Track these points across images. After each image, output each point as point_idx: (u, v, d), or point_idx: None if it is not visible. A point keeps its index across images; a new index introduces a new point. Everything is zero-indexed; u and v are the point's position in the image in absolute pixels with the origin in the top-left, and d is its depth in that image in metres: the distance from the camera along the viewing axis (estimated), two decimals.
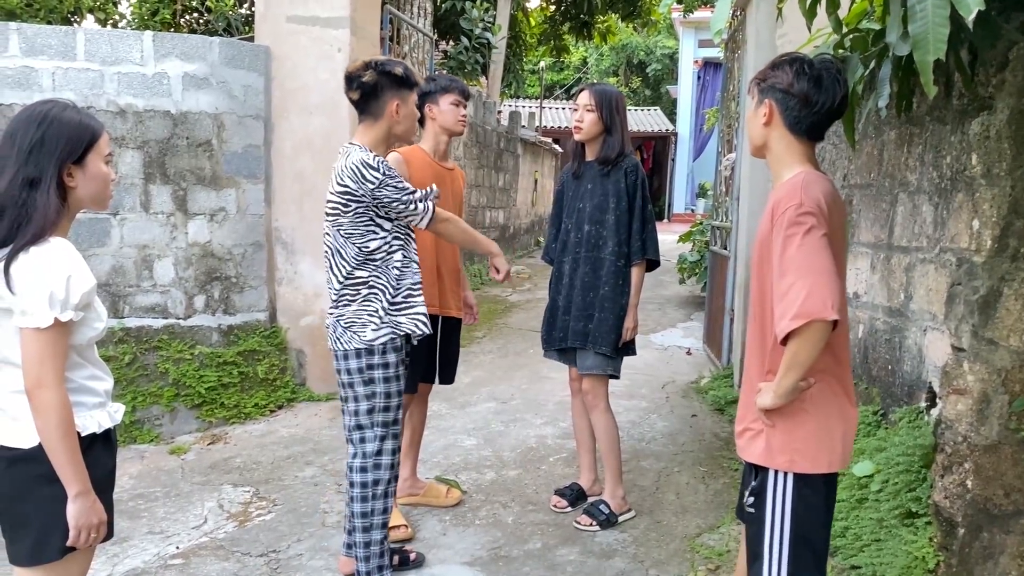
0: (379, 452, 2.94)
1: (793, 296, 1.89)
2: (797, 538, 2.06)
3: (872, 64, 2.79)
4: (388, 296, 2.90)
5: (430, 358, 3.74)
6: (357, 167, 2.79)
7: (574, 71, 31.74)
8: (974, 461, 2.57)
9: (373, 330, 2.88)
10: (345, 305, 2.91)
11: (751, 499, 2.14)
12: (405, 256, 2.94)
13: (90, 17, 8.24)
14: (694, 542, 3.51)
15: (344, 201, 2.83)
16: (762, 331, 2.12)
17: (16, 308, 1.79)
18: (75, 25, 7.72)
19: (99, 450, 1.95)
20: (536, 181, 16.65)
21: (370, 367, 2.89)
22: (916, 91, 2.90)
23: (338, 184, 2.84)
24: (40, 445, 1.81)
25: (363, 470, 2.93)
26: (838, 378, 2.09)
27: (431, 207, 2.90)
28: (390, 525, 3.20)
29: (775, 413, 2.06)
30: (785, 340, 1.94)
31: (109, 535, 1.98)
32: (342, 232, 2.87)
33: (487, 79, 14.45)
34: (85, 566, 1.98)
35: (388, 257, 2.89)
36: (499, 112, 13.96)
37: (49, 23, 6.95)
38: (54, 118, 1.87)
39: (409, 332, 2.95)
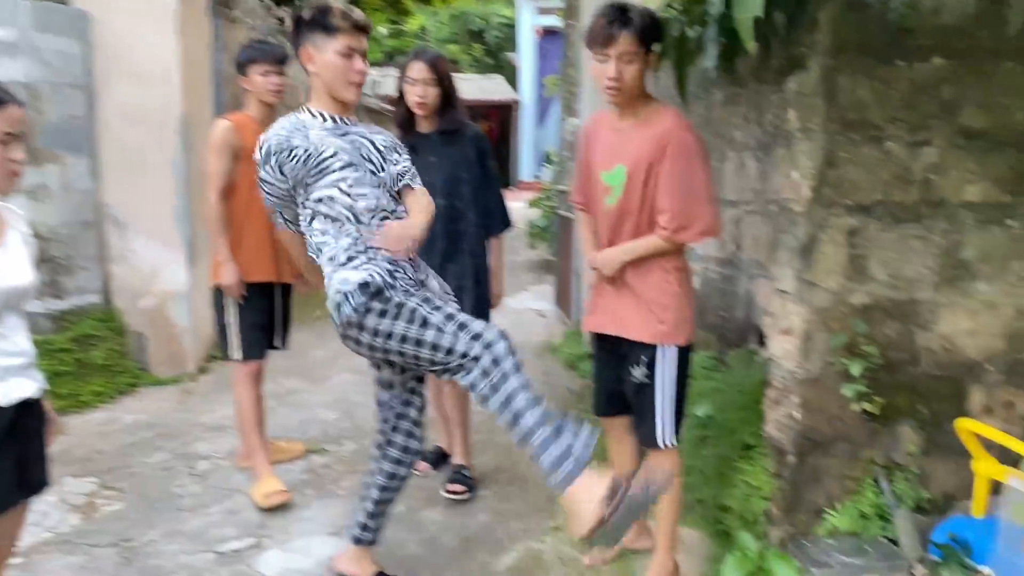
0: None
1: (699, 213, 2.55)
2: (678, 398, 2.67)
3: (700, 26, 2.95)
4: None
5: (270, 326, 3.74)
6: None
7: (413, 38, 31.32)
8: (800, 394, 2.79)
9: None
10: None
11: (644, 370, 2.65)
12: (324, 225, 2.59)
13: None
14: (554, 493, 3.63)
15: None
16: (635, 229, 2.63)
17: None
18: None
19: None
20: None
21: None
22: (740, 51, 3.08)
23: None
24: None
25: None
26: (688, 275, 2.73)
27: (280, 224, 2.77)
28: (270, 491, 3.46)
29: (668, 304, 2.62)
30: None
31: (43, 486, 2.00)
32: None
33: None
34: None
35: (309, 227, 2.62)
36: None
37: None
38: None
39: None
